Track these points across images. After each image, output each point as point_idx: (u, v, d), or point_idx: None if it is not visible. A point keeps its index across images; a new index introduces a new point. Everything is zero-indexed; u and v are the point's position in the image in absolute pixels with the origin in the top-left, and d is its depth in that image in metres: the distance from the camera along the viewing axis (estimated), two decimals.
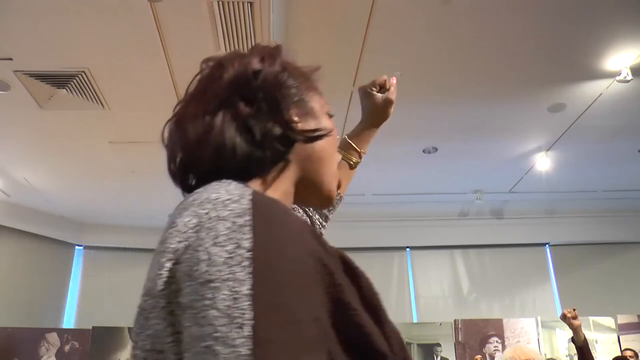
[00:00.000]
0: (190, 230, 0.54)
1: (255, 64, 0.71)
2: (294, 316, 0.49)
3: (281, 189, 0.70)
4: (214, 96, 0.69)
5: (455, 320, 5.52)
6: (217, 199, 0.56)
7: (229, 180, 0.62)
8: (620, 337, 5.52)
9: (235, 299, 0.48)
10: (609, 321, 5.61)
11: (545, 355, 5.35)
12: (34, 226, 5.71)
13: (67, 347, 5.35)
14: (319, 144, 0.73)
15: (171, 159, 0.71)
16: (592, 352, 2.83)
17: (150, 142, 4.29)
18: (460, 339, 5.44)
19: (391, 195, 5.72)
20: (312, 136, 0.72)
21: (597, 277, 6.29)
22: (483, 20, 3.15)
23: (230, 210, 0.54)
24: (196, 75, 0.75)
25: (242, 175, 0.66)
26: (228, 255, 0.50)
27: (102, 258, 6.35)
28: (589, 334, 5.41)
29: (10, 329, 5.21)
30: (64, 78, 3.38)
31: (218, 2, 2.76)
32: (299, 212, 1.06)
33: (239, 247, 0.50)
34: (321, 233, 1.08)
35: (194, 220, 0.54)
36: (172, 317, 0.53)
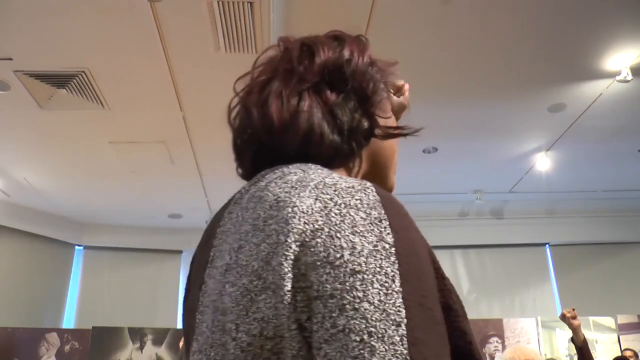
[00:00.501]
0: (317, 214, 0.51)
1: (347, 54, 0.69)
2: (435, 317, 0.49)
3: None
4: (301, 79, 0.66)
5: None
6: (336, 184, 0.54)
7: (317, 165, 0.61)
8: (620, 337, 5.52)
9: (387, 294, 0.47)
10: (609, 321, 5.61)
11: (545, 355, 5.35)
12: (34, 226, 5.71)
13: (67, 347, 5.35)
14: (389, 140, 0.73)
15: (242, 137, 0.70)
16: (591, 352, 2.83)
17: (150, 142, 4.29)
18: None
19: None
20: (392, 133, 0.72)
21: (597, 277, 6.30)
22: (483, 20, 3.15)
23: (358, 199, 0.53)
24: (265, 51, 0.73)
25: (324, 164, 0.63)
26: (372, 247, 0.49)
27: (102, 258, 6.35)
28: (589, 334, 5.41)
29: (10, 329, 5.21)
30: (64, 78, 3.38)
31: (218, 2, 2.76)
32: None
33: (381, 240, 0.50)
34: None
35: (319, 204, 0.52)
36: (295, 303, 0.49)
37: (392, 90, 1.11)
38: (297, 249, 0.50)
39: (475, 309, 6.09)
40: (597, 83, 3.80)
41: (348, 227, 0.50)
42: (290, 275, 0.50)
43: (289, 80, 0.66)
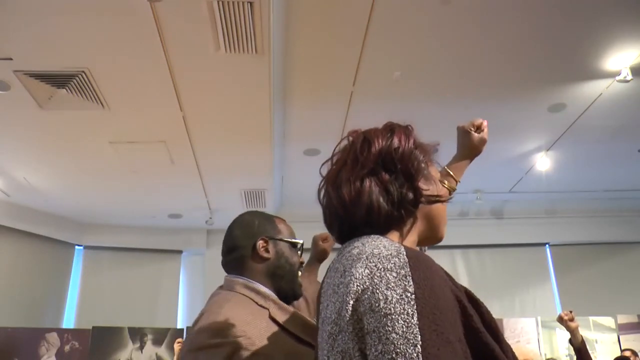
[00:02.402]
0: (366, 278, 0.74)
1: (396, 142, 0.91)
2: (447, 338, 0.67)
3: (411, 239, 0.91)
4: (363, 166, 0.89)
5: None
6: (379, 254, 0.77)
7: (377, 236, 0.84)
8: (620, 337, 5.52)
9: (407, 326, 0.67)
10: (609, 321, 5.61)
11: (545, 355, 5.35)
12: (34, 226, 5.71)
13: (67, 347, 5.35)
14: (437, 204, 0.94)
15: (328, 214, 0.93)
16: (590, 353, 2.84)
17: (150, 142, 4.29)
18: None
19: None
20: (434, 200, 0.93)
21: (597, 277, 6.30)
22: (483, 21, 3.15)
23: (393, 263, 0.74)
24: (339, 143, 0.97)
25: (383, 228, 0.87)
26: (399, 297, 0.70)
27: (102, 258, 6.35)
28: (589, 334, 5.41)
29: (10, 329, 5.21)
30: (64, 78, 3.38)
31: (218, 2, 2.76)
32: None
33: (405, 291, 0.70)
34: None
35: (367, 271, 0.75)
36: (357, 338, 0.72)
37: (472, 129, 1.47)
38: (354, 303, 0.74)
39: None
40: (597, 83, 3.80)
41: (384, 285, 0.72)
42: (351, 321, 0.74)
43: (354, 168, 0.90)
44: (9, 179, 4.93)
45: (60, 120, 3.91)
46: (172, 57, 3.24)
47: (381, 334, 0.68)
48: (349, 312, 0.74)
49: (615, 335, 5.54)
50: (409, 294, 0.70)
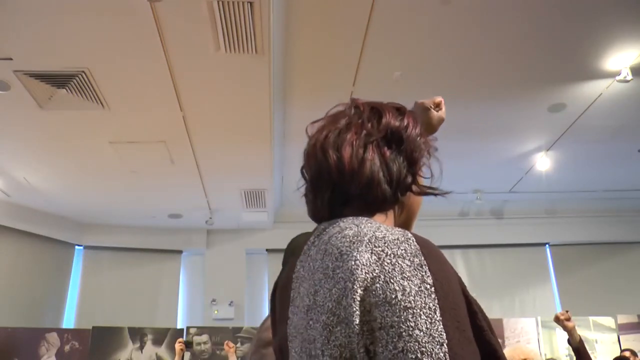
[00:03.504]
0: (374, 265, 0.67)
1: (406, 122, 0.87)
2: (469, 337, 0.65)
3: (391, 223, 0.85)
4: (369, 134, 0.83)
5: None
6: (384, 237, 0.70)
7: (366, 218, 0.77)
8: (620, 337, 5.52)
9: (431, 322, 0.62)
10: (609, 321, 5.61)
11: (545, 355, 5.35)
12: (34, 226, 5.71)
13: (67, 347, 5.35)
14: (420, 197, 0.90)
15: (318, 180, 0.83)
16: (590, 353, 2.83)
17: (150, 142, 4.29)
18: None
19: None
20: (427, 192, 0.88)
21: (597, 277, 6.30)
22: (483, 21, 3.15)
23: (404, 250, 0.68)
24: (336, 106, 0.90)
25: (374, 207, 0.81)
26: (417, 289, 0.65)
27: (102, 258, 6.35)
28: (589, 334, 5.41)
29: (10, 329, 5.21)
30: (64, 78, 3.38)
31: (218, 2, 2.76)
32: None
33: (424, 282, 0.65)
34: None
35: (374, 257, 0.68)
36: (363, 332, 0.65)
37: (432, 106, 1.33)
38: (362, 292, 0.66)
39: None
40: (597, 83, 3.80)
41: (398, 273, 0.66)
42: (358, 312, 0.66)
43: (359, 133, 0.83)
44: (9, 179, 4.93)
45: (60, 120, 3.91)
46: (172, 57, 3.24)
47: (402, 330, 0.62)
48: (356, 302, 0.66)
49: (615, 335, 5.54)
50: (428, 286, 0.65)
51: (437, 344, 0.61)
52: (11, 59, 3.16)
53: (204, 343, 5.55)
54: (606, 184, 5.75)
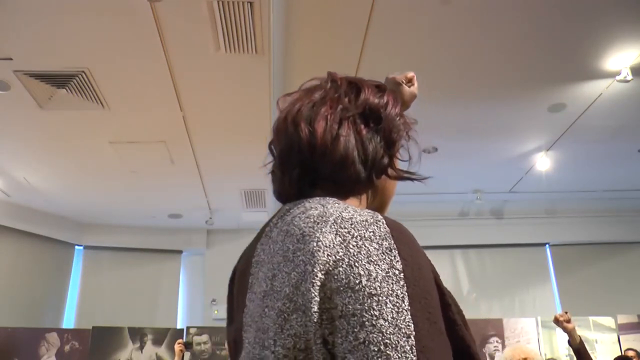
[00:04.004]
0: (338, 247, 0.61)
1: (386, 100, 0.81)
2: (439, 329, 0.59)
3: (362, 207, 0.79)
4: (345, 109, 0.77)
5: None
6: (351, 218, 0.64)
7: (334, 199, 0.70)
8: (620, 337, 5.51)
9: (398, 312, 0.57)
10: (609, 321, 5.61)
11: (545, 355, 5.35)
12: (34, 226, 5.71)
13: (67, 347, 5.35)
14: (394, 182, 0.84)
15: (286, 157, 0.77)
16: (590, 353, 2.82)
17: (150, 142, 4.29)
18: None
19: None
20: (403, 176, 0.82)
21: (597, 277, 6.29)
22: (483, 21, 3.15)
23: (372, 232, 0.62)
24: (311, 80, 0.84)
25: (346, 188, 0.75)
26: (385, 274, 0.59)
27: (102, 258, 6.35)
28: (589, 334, 5.41)
29: (10, 329, 5.21)
30: (64, 78, 3.38)
31: (218, 2, 2.76)
32: None
33: (392, 267, 0.59)
34: None
35: (339, 238, 0.62)
36: (321, 321, 0.59)
37: (403, 81, 1.24)
38: (322, 276, 0.60)
39: (475, 309, 6.09)
40: (597, 83, 3.80)
41: (364, 257, 0.60)
42: (317, 298, 0.60)
43: (335, 107, 0.77)
44: (9, 179, 4.93)
45: (60, 120, 3.91)
46: (172, 57, 3.24)
47: (365, 319, 0.56)
48: (315, 288, 0.60)
49: (615, 335, 5.54)
50: (396, 272, 0.59)
51: (404, 336, 0.56)
52: (11, 59, 3.16)
53: (204, 343, 5.55)
54: (606, 184, 5.74)
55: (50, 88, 3.47)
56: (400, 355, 0.54)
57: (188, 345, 4.77)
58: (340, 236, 0.62)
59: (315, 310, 0.59)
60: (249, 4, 2.79)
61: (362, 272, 0.59)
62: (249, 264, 0.74)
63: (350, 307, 0.57)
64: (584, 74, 3.70)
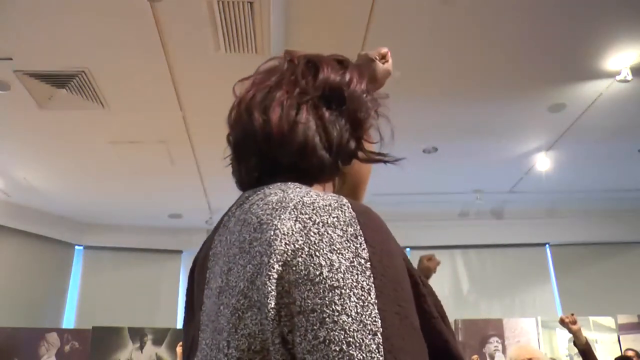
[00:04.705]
0: (297, 234, 0.55)
1: (348, 77, 0.74)
2: (412, 324, 0.52)
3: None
4: (303, 92, 0.70)
5: (455, 320, 5.52)
6: (313, 203, 0.58)
7: (295, 184, 0.64)
8: (620, 337, 5.52)
9: (363, 306, 0.50)
10: (609, 321, 5.61)
11: (545, 354, 5.35)
12: (34, 226, 5.71)
13: (67, 347, 5.35)
14: (368, 165, 0.78)
15: (242, 146, 0.72)
16: (594, 353, 2.83)
17: (150, 142, 4.29)
18: (460, 339, 5.44)
19: (391, 195, 5.72)
20: (375, 159, 0.75)
21: (597, 277, 6.29)
22: (483, 21, 3.15)
23: (335, 217, 0.56)
24: (268, 61, 0.77)
25: (309, 177, 0.68)
26: (349, 264, 0.52)
27: (102, 258, 6.35)
28: (589, 334, 5.41)
29: (10, 329, 5.21)
30: (64, 78, 3.38)
31: (218, 2, 2.76)
32: None
33: (357, 256, 0.53)
34: None
35: (299, 225, 0.55)
36: (279, 318, 0.53)
37: (377, 58, 1.16)
38: (279, 268, 0.54)
39: (475, 309, 6.09)
40: (597, 83, 3.80)
41: (326, 245, 0.53)
42: (274, 293, 0.53)
43: (291, 91, 0.70)
44: (9, 179, 4.93)
45: (60, 120, 3.91)
46: (172, 57, 3.24)
47: (325, 314, 0.50)
48: (272, 281, 0.53)
49: (615, 335, 5.54)
50: (362, 261, 0.52)
51: (369, 333, 0.49)
52: (11, 59, 3.16)
53: None
54: (606, 184, 5.74)
55: (50, 88, 3.47)
56: (365, 355, 0.48)
57: None
58: (300, 222, 0.56)
59: (272, 306, 0.53)
60: (249, 4, 2.79)
61: (323, 263, 0.52)
62: (206, 257, 0.68)
63: (310, 301, 0.51)
64: (584, 74, 3.70)
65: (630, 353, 4.82)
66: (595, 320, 5.59)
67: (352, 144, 0.71)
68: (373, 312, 0.50)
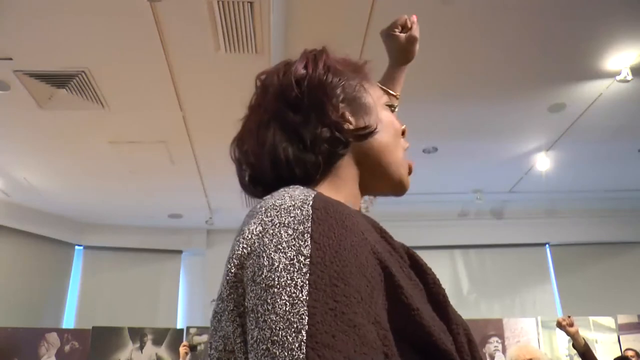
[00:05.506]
0: (255, 237, 0.56)
1: (299, 71, 0.73)
2: (351, 320, 0.49)
3: (345, 189, 0.72)
4: (265, 110, 0.72)
5: None
6: (280, 205, 0.58)
7: (296, 186, 0.64)
8: (620, 337, 5.52)
9: (293, 304, 0.49)
10: (609, 321, 5.61)
11: (545, 355, 5.35)
12: (34, 226, 5.71)
13: (67, 347, 5.35)
14: (378, 138, 0.74)
15: (239, 173, 0.76)
16: (595, 355, 2.82)
17: (150, 142, 4.29)
18: None
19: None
20: (362, 134, 0.72)
21: (597, 277, 6.29)
22: (483, 20, 3.15)
23: (293, 217, 0.56)
24: (256, 90, 0.79)
25: (302, 181, 0.67)
26: (288, 262, 0.51)
27: (102, 258, 6.35)
28: (589, 334, 5.41)
29: (10, 329, 5.21)
30: (64, 78, 3.38)
31: (218, 2, 2.76)
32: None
33: (299, 253, 0.52)
34: None
35: (259, 228, 0.56)
36: (240, 319, 0.55)
37: (396, 30, 1.17)
38: (238, 271, 0.56)
39: (475, 309, 6.09)
40: (597, 83, 3.80)
41: (273, 245, 0.53)
42: (232, 296, 0.56)
43: (257, 114, 0.74)
44: (9, 179, 4.93)
45: (60, 120, 3.91)
46: (172, 57, 3.24)
47: (259, 314, 0.50)
48: (230, 283, 0.56)
49: (615, 335, 5.54)
50: (302, 258, 0.51)
51: (293, 331, 0.47)
52: (11, 59, 3.16)
53: (204, 343, 5.55)
54: (606, 184, 5.74)
55: (50, 88, 3.47)
56: (286, 354, 0.47)
57: (193, 348, 4.77)
58: (261, 225, 0.56)
59: (231, 308, 0.56)
60: (249, 4, 2.79)
61: (265, 263, 0.52)
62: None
63: (251, 302, 0.52)
64: (584, 74, 3.70)
65: (630, 353, 4.82)
66: (595, 320, 5.59)
67: (326, 133, 0.69)
68: (301, 310, 0.48)
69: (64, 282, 6.12)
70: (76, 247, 6.29)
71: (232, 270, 0.56)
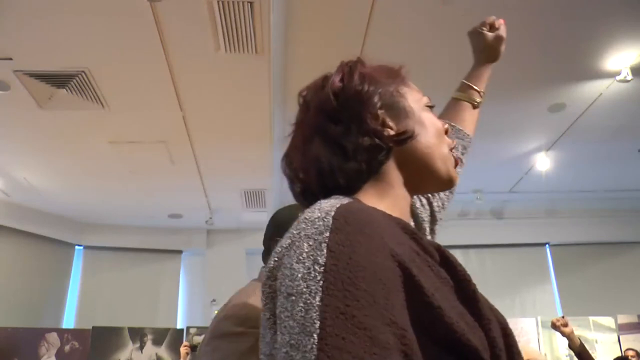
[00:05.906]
0: (284, 250, 0.61)
1: (336, 84, 0.75)
2: (361, 323, 0.51)
3: (392, 192, 0.74)
4: (307, 125, 0.76)
5: None
6: (309, 218, 0.61)
7: (335, 196, 0.68)
8: (621, 337, 5.52)
9: (307, 310, 0.53)
10: (609, 321, 5.61)
11: (545, 355, 5.35)
12: (34, 226, 5.71)
13: (67, 347, 5.35)
14: (420, 139, 0.75)
15: (291, 188, 0.80)
16: (591, 354, 2.81)
17: (150, 142, 4.29)
18: None
19: None
20: (403, 139, 0.74)
21: (597, 277, 6.30)
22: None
23: (316, 228, 0.59)
24: (299, 107, 0.82)
25: (349, 189, 0.71)
26: (306, 271, 0.55)
27: (102, 258, 6.35)
28: (589, 334, 5.41)
29: (10, 329, 5.21)
30: (64, 78, 3.38)
31: (218, 2, 2.76)
32: (421, 200, 1.14)
33: (315, 263, 0.55)
34: (440, 217, 1.23)
35: (288, 241, 0.61)
36: (276, 326, 0.58)
37: (484, 28, 1.23)
38: (272, 283, 0.61)
39: None
40: (597, 83, 3.80)
41: (295, 256, 0.57)
42: (269, 305, 0.61)
43: (301, 130, 0.77)
44: (9, 179, 4.93)
45: (60, 120, 3.91)
46: (172, 57, 3.24)
47: (281, 320, 0.55)
48: (265, 294, 0.62)
49: (615, 335, 5.54)
50: (317, 267, 0.55)
51: (307, 335, 0.51)
52: (11, 59, 3.16)
53: None
54: (606, 184, 5.74)
55: (50, 88, 3.47)
56: (301, 356, 0.51)
57: (194, 348, 4.76)
58: (290, 239, 0.61)
59: (269, 316, 0.61)
60: (249, 4, 2.79)
61: (287, 273, 0.57)
62: None
63: (277, 310, 0.57)
64: (584, 74, 3.70)
65: (630, 353, 4.82)
66: (595, 320, 5.59)
67: (366, 141, 0.72)
68: (314, 315, 0.52)
69: (64, 282, 6.12)
70: (76, 247, 6.29)
71: (267, 282, 0.62)
